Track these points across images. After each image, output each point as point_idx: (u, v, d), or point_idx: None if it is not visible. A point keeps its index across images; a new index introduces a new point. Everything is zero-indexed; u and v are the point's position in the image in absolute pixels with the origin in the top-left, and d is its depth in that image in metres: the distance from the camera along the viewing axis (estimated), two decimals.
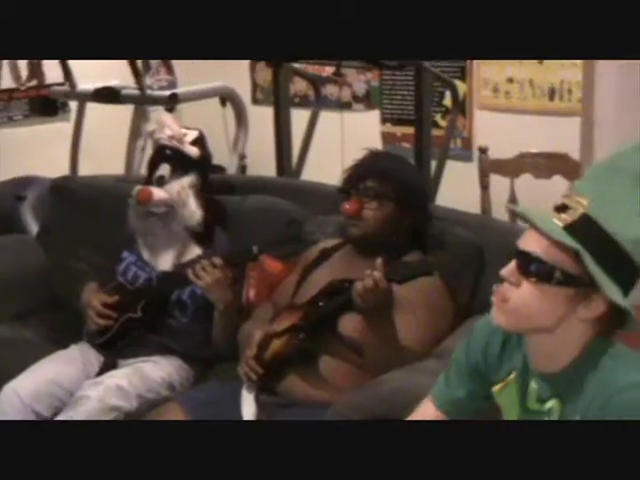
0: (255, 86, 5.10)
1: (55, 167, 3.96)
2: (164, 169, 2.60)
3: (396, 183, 2.28)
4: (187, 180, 2.60)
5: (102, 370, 2.49)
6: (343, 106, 4.65)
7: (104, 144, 4.39)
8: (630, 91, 3.68)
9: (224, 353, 2.50)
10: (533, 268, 1.34)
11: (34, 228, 3.79)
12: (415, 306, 2.15)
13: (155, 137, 2.66)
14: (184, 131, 2.64)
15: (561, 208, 1.35)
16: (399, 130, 4.48)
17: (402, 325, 2.09)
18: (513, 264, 1.37)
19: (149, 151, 2.86)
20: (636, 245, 1.32)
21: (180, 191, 2.58)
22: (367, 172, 2.31)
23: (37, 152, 4.54)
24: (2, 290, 3.04)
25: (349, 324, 2.13)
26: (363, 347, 2.10)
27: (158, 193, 2.55)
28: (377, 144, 4.42)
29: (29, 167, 4.28)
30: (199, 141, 2.67)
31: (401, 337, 2.08)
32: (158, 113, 3.17)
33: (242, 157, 4.40)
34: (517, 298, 1.36)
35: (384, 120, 4.59)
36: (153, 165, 2.65)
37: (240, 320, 2.47)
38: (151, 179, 2.62)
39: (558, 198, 1.38)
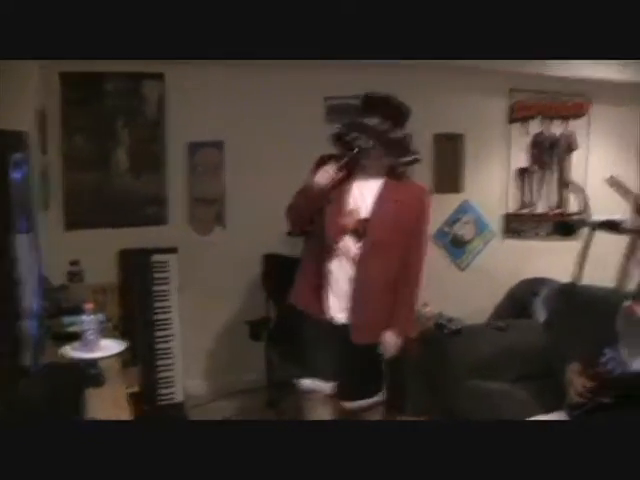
0: None
1: (562, 273, 4.77)
2: None
3: None
4: None
5: None
6: None
7: (605, 263, 4.73)
8: None
9: None
10: None
11: (541, 317, 4.58)
12: None
13: None
14: None
15: None
16: None
17: None
18: None
19: None
20: None
21: None
22: None
23: (550, 260, 5.29)
24: (509, 358, 3.85)
25: None
26: None
27: None
28: None
29: (543, 270, 5.19)
30: None
31: None
32: None
33: None
34: None
35: None
36: None
37: None
38: None
39: None
